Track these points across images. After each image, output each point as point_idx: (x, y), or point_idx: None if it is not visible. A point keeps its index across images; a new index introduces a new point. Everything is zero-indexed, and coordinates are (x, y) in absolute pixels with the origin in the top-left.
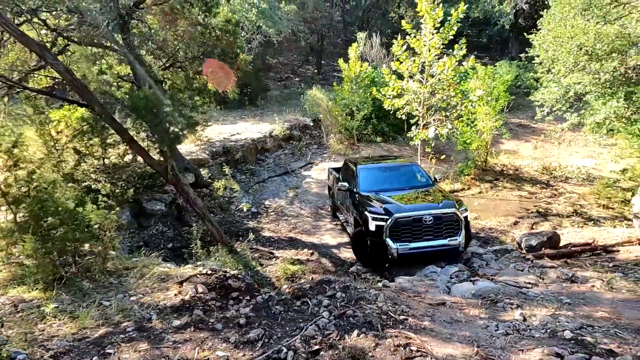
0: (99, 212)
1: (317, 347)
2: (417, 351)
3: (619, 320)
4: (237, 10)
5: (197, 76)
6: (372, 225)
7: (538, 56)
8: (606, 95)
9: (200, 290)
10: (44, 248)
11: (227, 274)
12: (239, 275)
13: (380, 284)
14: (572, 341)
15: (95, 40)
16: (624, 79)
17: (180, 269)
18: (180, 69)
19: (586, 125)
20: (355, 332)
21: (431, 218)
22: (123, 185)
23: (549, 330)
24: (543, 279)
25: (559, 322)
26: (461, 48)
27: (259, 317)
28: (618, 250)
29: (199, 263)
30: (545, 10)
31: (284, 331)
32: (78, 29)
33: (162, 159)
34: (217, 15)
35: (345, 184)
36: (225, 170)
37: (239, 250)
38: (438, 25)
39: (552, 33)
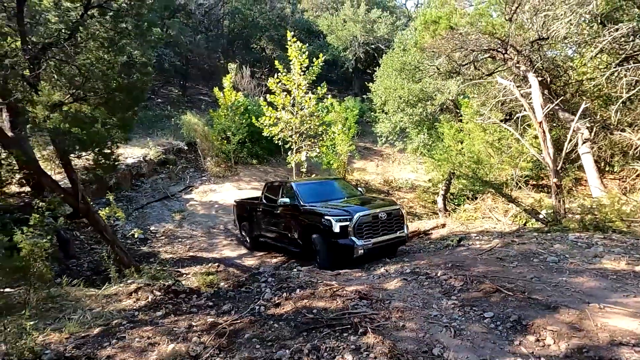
0: (31, 241)
1: (278, 301)
2: (338, 289)
3: (431, 263)
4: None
5: (103, 109)
6: (336, 227)
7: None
8: (418, 129)
9: (158, 294)
10: None
11: (166, 284)
12: (175, 284)
13: (295, 269)
14: (410, 274)
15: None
16: (427, 120)
17: (112, 288)
18: (84, 102)
19: (408, 149)
20: (297, 290)
21: (385, 214)
22: None
23: (399, 272)
24: (394, 253)
25: (403, 269)
26: (322, 87)
27: (220, 300)
28: (432, 233)
29: (129, 281)
30: (377, 65)
31: (244, 304)
32: None
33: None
34: (124, 54)
35: (286, 199)
36: (109, 198)
37: (149, 271)
38: (304, 68)
39: (382, 84)
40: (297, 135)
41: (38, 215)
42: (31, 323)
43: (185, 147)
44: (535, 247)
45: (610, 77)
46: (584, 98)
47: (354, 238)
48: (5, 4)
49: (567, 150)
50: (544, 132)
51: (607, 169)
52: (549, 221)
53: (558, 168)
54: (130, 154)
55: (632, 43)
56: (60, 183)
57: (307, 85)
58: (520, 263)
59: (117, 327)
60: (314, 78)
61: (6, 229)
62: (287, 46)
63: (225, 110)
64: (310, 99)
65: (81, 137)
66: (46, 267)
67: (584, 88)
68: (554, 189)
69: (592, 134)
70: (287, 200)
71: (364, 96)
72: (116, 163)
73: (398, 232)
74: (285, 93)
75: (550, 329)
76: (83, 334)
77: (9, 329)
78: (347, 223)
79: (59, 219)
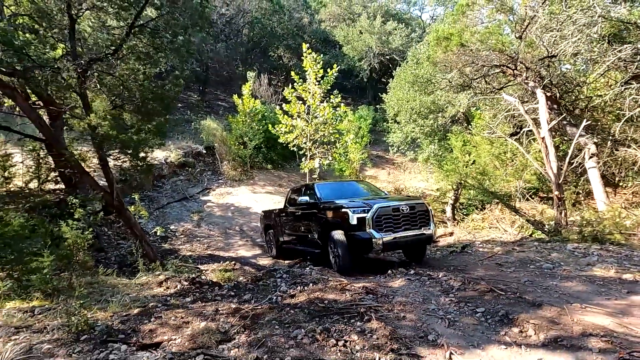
0: (74, 233)
1: (293, 293)
2: (347, 285)
3: (434, 266)
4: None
5: (139, 116)
6: (353, 219)
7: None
8: (429, 140)
9: (185, 284)
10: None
11: (191, 276)
12: (198, 277)
13: (308, 268)
14: (414, 275)
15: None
16: (438, 131)
17: (142, 278)
18: (121, 109)
19: (419, 159)
20: (310, 284)
21: (407, 208)
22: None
23: (404, 273)
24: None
25: (407, 270)
26: (336, 97)
27: (241, 291)
28: (439, 240)
29: (157, 273)
30: (391, 75)
31: (263, 294)
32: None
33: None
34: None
35: (307, 197)
36: (134, 197)
37: (173, 265)
38: (319, 78)
39: (395, 96)
40: (311, 142)
41: (82, 210)
42: (80, 302)
43: (204, 151)
44: (533, 255)
45: (621, 94)
46: (594, 114)
47: (372, 231)
48: (56, 19)
49: (574, 165)
50: (546, 147)
51: (621, 183)
52: (550, 232)
53: (560, 181)
54: (152, 156)
55: (637, 63)
56: None
57: (322, 94)
58: (517, 269)
59: (153, 308)
60: (329, 87)
61: (45, 222)
62: (302, 57)
63: (243, 117)
64: (324, 107)
65: (126, 142)
66: (87, 256)
67: (594, 104)
68: (556, 202)
69: (600, 148)
70: (307, 198)
71: (377, 105)
72: (150, 166)
73: (423, 229)
74: (300, 102)
75: (533, 322)
76: (125, 313)
77: (63, 307)
78: (365, 215)
79: (95, 214)
